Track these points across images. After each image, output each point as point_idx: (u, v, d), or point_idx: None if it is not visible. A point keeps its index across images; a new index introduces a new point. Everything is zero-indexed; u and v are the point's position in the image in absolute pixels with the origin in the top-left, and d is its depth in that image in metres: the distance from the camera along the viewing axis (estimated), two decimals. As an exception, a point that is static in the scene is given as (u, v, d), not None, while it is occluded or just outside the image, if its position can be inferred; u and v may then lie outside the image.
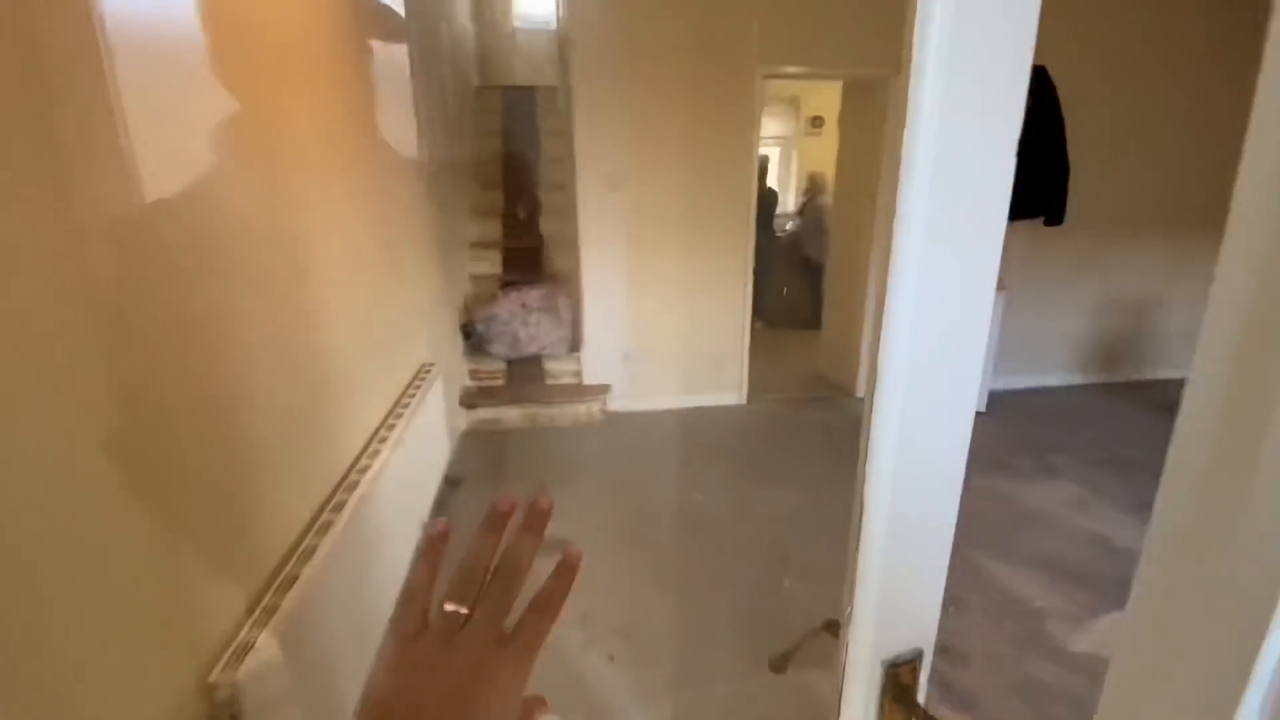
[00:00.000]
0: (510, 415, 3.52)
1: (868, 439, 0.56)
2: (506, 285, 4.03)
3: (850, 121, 4.06)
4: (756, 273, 3.75)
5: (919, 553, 0.64)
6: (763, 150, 5.55)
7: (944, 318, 0.53)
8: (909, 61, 0.46)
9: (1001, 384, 3.99)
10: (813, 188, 5.62)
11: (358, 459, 1.80)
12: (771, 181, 6.14)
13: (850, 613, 0.59)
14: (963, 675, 1.78)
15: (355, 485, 1.66)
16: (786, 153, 6.67)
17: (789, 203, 6.44)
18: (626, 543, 2.43)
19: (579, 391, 3.62)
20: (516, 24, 6.10)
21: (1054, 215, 3.26)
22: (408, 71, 2.64)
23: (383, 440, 1.90)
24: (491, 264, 4.24)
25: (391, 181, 2.37)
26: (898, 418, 0.55)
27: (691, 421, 3.65)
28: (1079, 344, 4.18)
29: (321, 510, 1.54)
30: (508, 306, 3.62)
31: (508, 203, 4.59)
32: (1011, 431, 3.47)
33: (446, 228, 3.35)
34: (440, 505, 2.60)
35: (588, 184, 3.40)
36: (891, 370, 0.53)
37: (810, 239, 5.60)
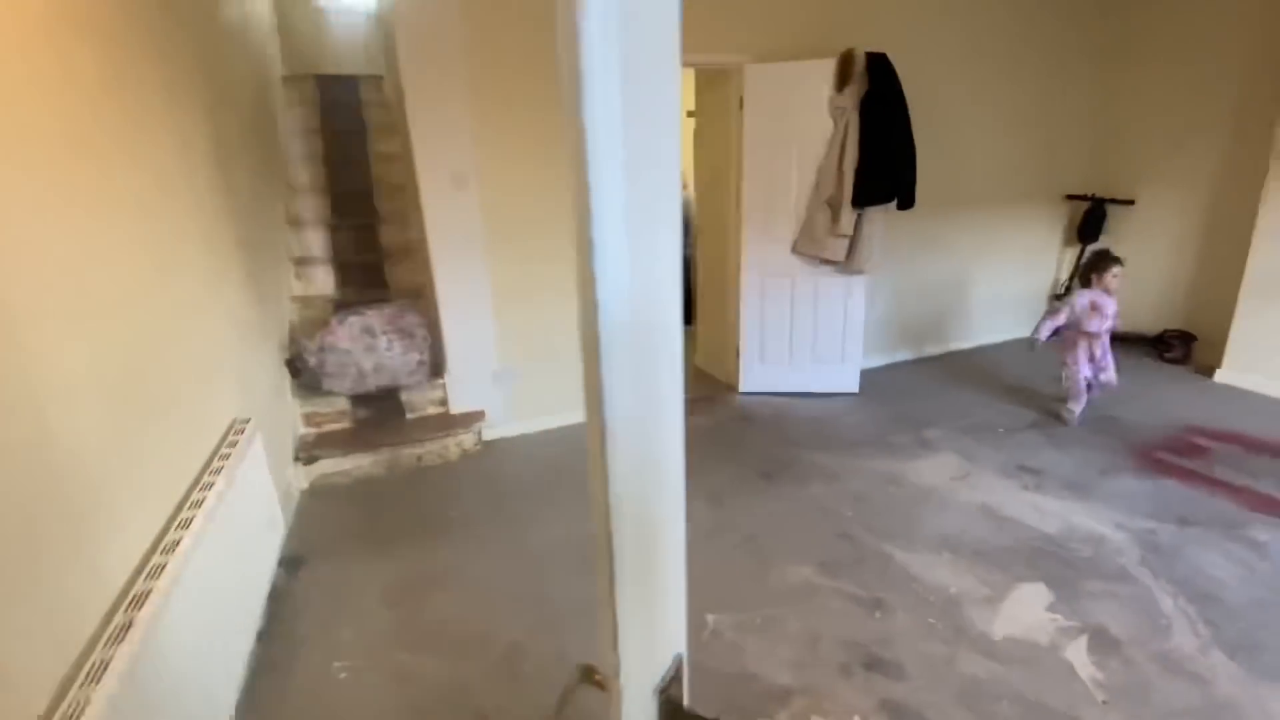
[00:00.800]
0: (363, 463, 2.96)
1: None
2: (343, 307, 3.43)
3: (706, 112, 3.97)
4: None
5: (660, 560, 0.61)
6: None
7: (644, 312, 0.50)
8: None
9: (866, 364, 4.15)
10: (674, 181, 5.53)
11: (129, 586, 1.27)
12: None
13: (618, 663, 0.53)
14: (903, 690, 1.67)
15: (127, 628, 1.15)
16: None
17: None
18: (523, 590, 2.08)
19: (447, 423, 3.15)
20: (323, 3, 5.33)
21: (905, 200, 3.37)
22: (182, 54, 2.02)
23: (169, 549, 1.38)
24: (322, 282, 3.59)
25: (158, 193, 1.77)
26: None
27: (580, 437, 3.33)
28: (922, 320, 4.46)
29: (66, 689, 1.03)
30: (347, 333, 3.05)
31: (336, 210, 3.94)
32: (885, 410, 3.58)
33: (256, 243, 2.71)
34: (277, 601, 2.05)
35: (432, 183, 2.93)
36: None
37: (675, 233, 5.52)
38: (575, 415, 3.50)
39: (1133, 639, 1.80)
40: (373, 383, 3.10)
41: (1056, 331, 3.23)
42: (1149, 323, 4.45)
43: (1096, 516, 2.43)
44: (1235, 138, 3.85)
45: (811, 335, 3.73)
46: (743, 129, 3.44)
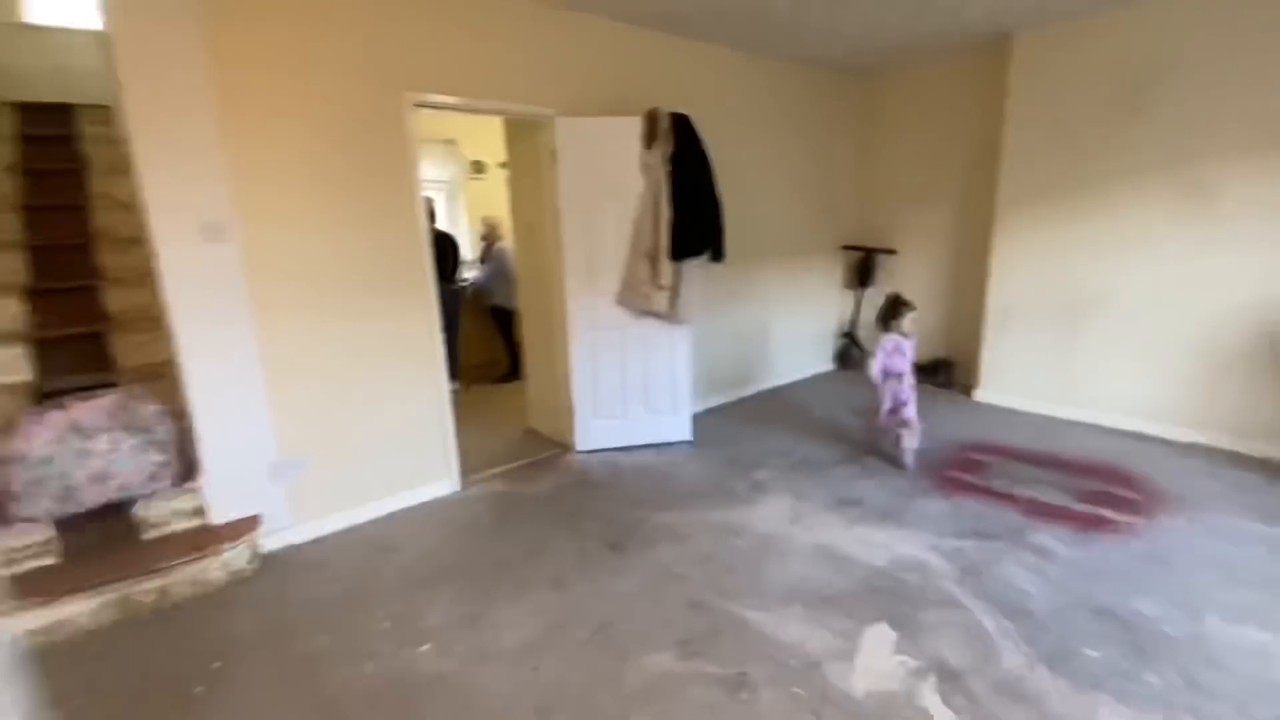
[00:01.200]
0: (81, 611, 2.16)
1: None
2: (48, 397, 2.60)
3: (518, 163, 3.81)
4: (444, 330, 3.15)
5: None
6: (427, 194, 4.98)
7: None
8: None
9: (695, 409, 4.21)
10: (491, 234, 5.25)
11: None
12: (445, 227, 5.58)
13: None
14: (781, 784, 1.52)
15: None
16: (452, 198, 6.18)
17: (467, 250, 5.95)
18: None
19: (205, 539, 2.45)
20: (30, 20, 4.28)
21: (717, 253, 3.49)
22: None
23: None
24: (13, 367, 2.69)
25: None
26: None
27: (395, 533, 2.82)
28: (737, 364, 4.68)
29: None
30: (45, 434, 2.26)
31: (37, 270, 3.04)
32: (717, 455, 3.59)
33: None
34: None
35: (172, 234, 2.32)
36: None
37: (497, 286, 5.22)
38: (377, 507, 2.98)
39: (971, 668, 1.86)
40: (89, 498, 2.32)
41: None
42: (919, 353, 5.15)
43: (914, 542, 2.59)
44: (965, 196, 4.68)
45: (643, 387, 3.65)
46: (557, 182, 3.32)
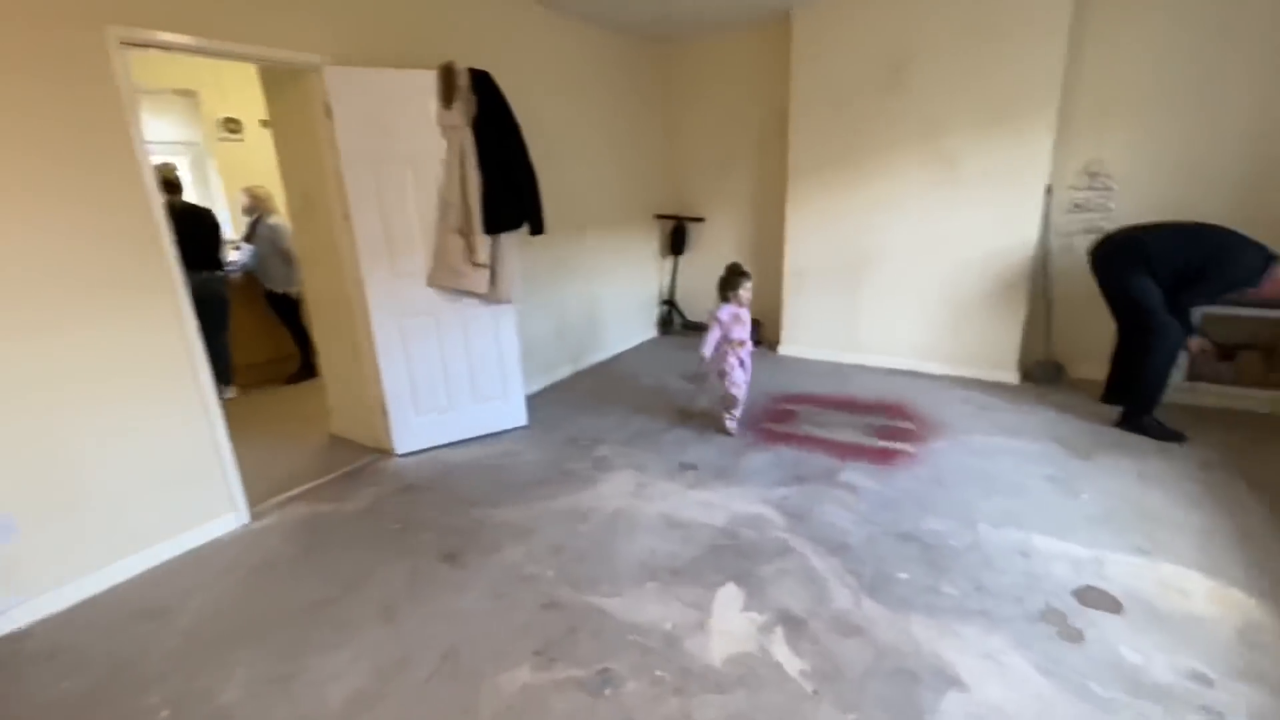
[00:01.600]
0: None
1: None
2: None
3: (283, 122, 3.17)
4: (206, 326, 2.54)
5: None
6: (163, 158, 3.97)
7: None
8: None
9: (527, 391, 4.03)
10: (257, 205, 4.38)
11: None
12: (191, 197, 4.54)
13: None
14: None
15: None
16: (199, 162, 5.05)
17: (229, 228, 4.94)
18: None
19: None
20: None
21: (536, 225, 3.28)
22: None
23: None
24: None
25: None
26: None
27: (165, 591, 2.25)
28: (565, 339, 4.57)
29: None
30: None
31: None
32: (555, 436, 3.47)
33: None
34: None
35: None
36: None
37: (271, 268, 4.40)
38: (137, 562, 2.38)
39: (810, 612, 2.01)
40: None
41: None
42: (732, 314, 5.48)
43: (747, 497, 2.73)
44: (760, 166, 4.99)
45: (468, 374, 3.35)
46: (336, 144, 2.82)
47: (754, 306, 5.32)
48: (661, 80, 5.23)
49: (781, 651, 1.85)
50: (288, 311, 4.54)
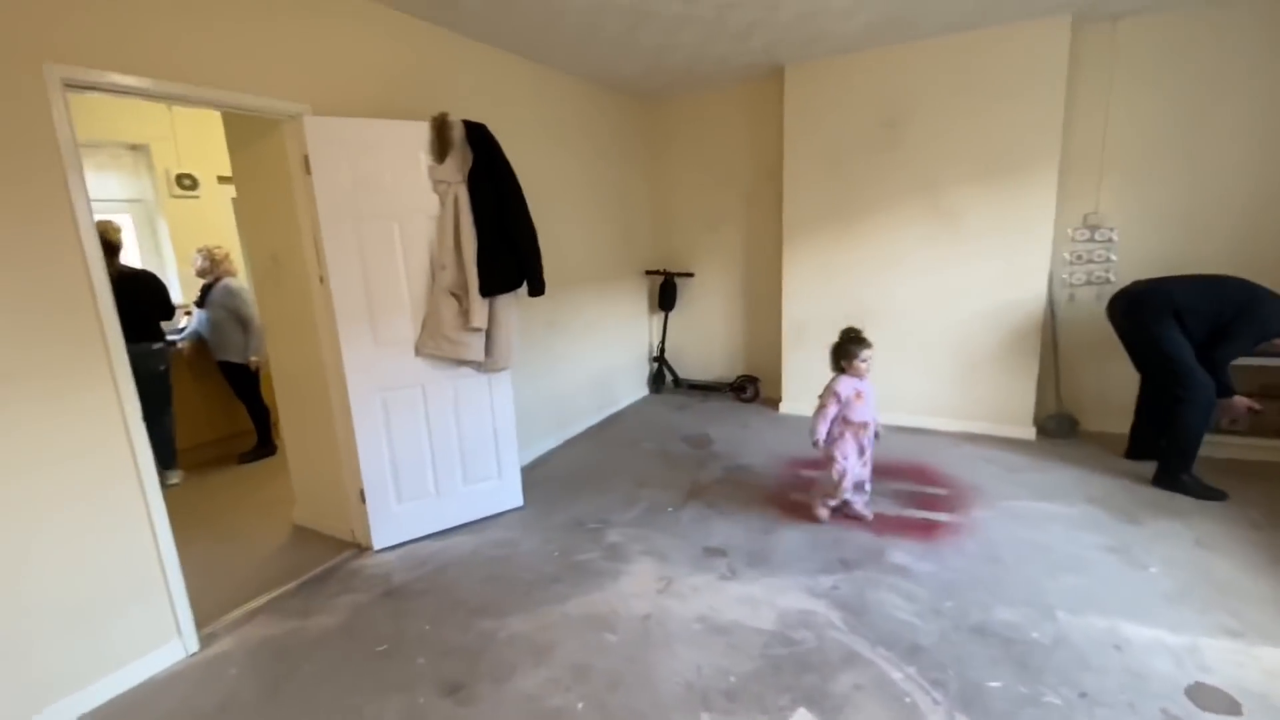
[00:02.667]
0: None
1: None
2: None
3: (250, 176, 2.85)
4: (146, 407, 2.10)
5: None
6: (106, 216, 3.55)
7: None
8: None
9: (527, 460, 3.67)
10: (214, 267, 3.96)
11: None
12: (140, 263, 4.10)
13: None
14: None
15: None
16: (148, 220, 4.62)
17: (177, 292, 4.48)
18: None
19: None
20: None
21: (535, 285, 2.99)
22: None
23: None
24: None
25: None
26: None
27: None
28: (558, 403, 4.23)
29: None
30: None
31: None
32: (557, 519, 3.09)
33: None
34: None
35: None
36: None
37: (226, 336, 3.95)
38: (64, 710, 1.87)
39: (905, 743, 1.67)
40: None
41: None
42: (724, 371, 5.26)
43: (791, 589, 2.41)
44: (751, 220, 4.88)
45: (459, 452, 2.97)
46: (315, 199, 2.50)
47: (749, 362, 5.16)
48: (651, 135, 5.14)
49: (887, 805, 1.50)
50: (244, 384, 4.07)
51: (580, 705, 1.86)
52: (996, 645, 2.04)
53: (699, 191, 5.09)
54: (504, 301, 2.87)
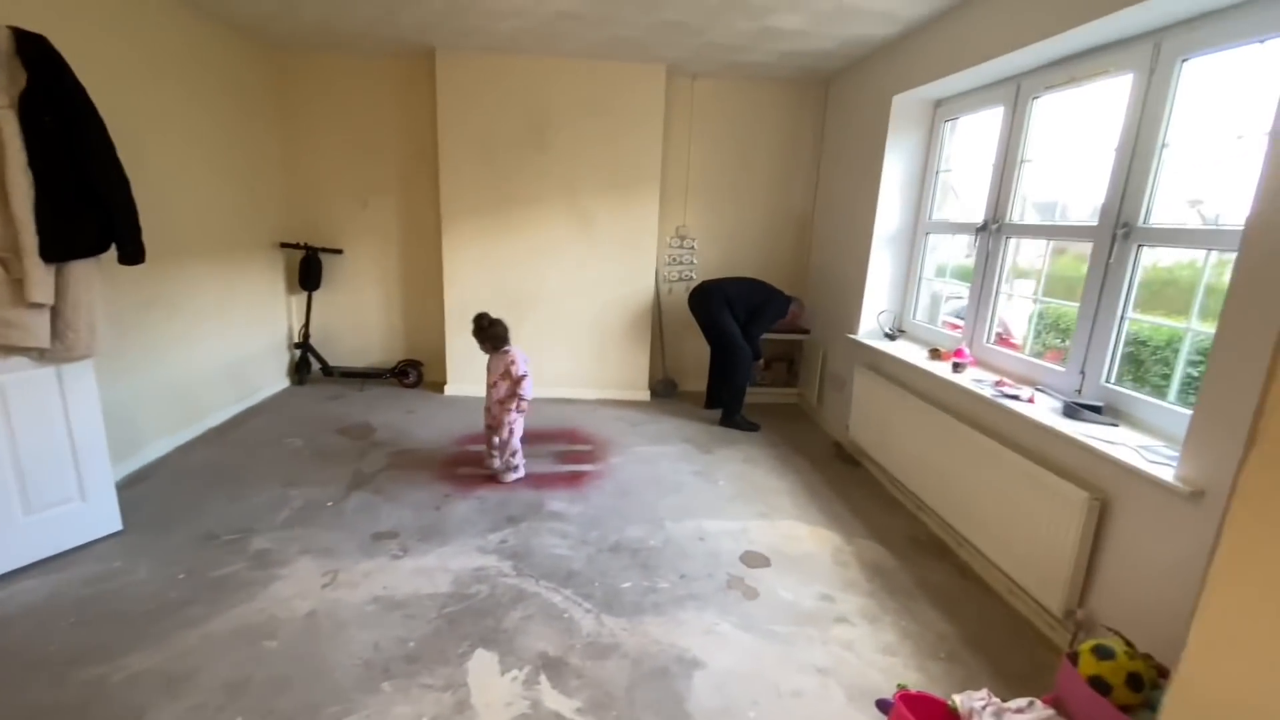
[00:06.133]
0: None
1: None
2: None
3: None
4: None
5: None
6: None
7: None
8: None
9: (129, 470, 2.94)
10: None
11: None
12: None
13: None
14: None
15: None
16: None
17: None
18: None
19: None
20: None
21: (130, 249, 2.40)
22: None
23: None
24: None
25: None
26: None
27: None
28: (162, 401, 3.46)
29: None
30: None
31: None
32: (178, 538, 2.60)
33: None
34: None
35: None
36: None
37: None
38: None
39: (565, 647, 2.05)
40: None
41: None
42: (383, 357, 5.05)
43: (465, 551, 2.60)
44: (407, 200, 4.77)
45: (11, 472, 2.22)
46: None
47: (410, 347, 5.05)
48: (284, 92, 4.49)
49: (553, 698, 1.84)
50: None
51: (240, 718, 1.70)
52: (627, 556, 2.63)
53: (345, 163, 4.70)
54: (81, 269, 2.24)
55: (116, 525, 2.55)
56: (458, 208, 4.49)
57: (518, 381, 3.16)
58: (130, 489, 2.94)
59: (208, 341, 3.80)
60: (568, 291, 4.69)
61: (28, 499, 2.26)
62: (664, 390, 5.03)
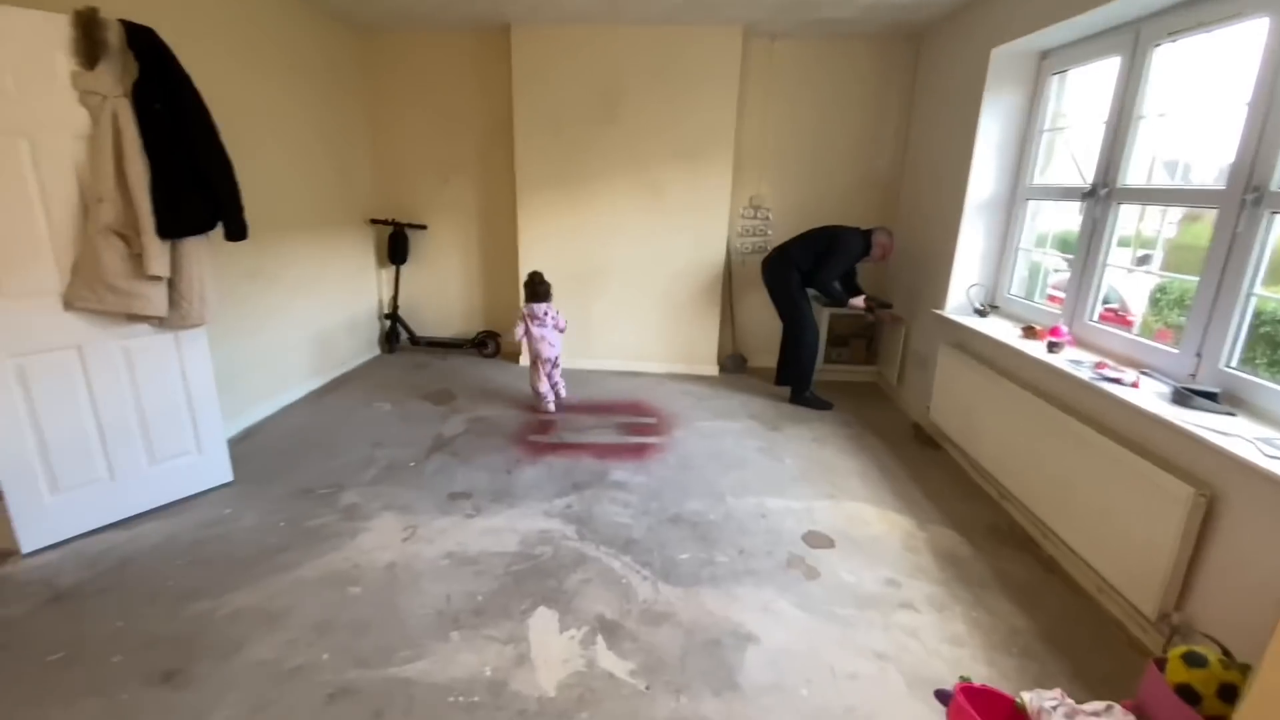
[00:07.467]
0: None
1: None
2: None
3: None
4: None
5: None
6: None
7: None
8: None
9: (237, 429, 3.26)
10: None
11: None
12: None
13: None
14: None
15: None
16: None
17: None
18: None
19: None
20: None
21: (235, 227, 2.62)
22: None
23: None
24: None
25: None
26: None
27: None
28: (267, 365, 3.79)
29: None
30: None
31: None
32: (279, 490, 2.86)
33: None
34: None
35: None
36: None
37: None
38: None
39: (622, 612, 2.11)
40: None
41: None
42: (464, 327, 5.28)
43: (531, 514, 2.71)
44: (486, 174, 4.90)
45: (139, 427, 2.52)
46: None
47: (488, 319, 5.25)
48: (371, 73, 4.71)
49: (608, 659, 1.90)
50: None
51: (326, 657, 1.88)
52: (686, 528, 2.64)
53: (427, 141, 4.89)
54: (192, 245, 2.47)
55: (228, 476, 2.85)
56: (532, 183, 4.57)
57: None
58: (238, 445, 3.26)
59: (305, 312, 4.12)
60: (637, 264, 4.69)
61: (152, 451, 2.56)
62: (733, 366, 4.96)
